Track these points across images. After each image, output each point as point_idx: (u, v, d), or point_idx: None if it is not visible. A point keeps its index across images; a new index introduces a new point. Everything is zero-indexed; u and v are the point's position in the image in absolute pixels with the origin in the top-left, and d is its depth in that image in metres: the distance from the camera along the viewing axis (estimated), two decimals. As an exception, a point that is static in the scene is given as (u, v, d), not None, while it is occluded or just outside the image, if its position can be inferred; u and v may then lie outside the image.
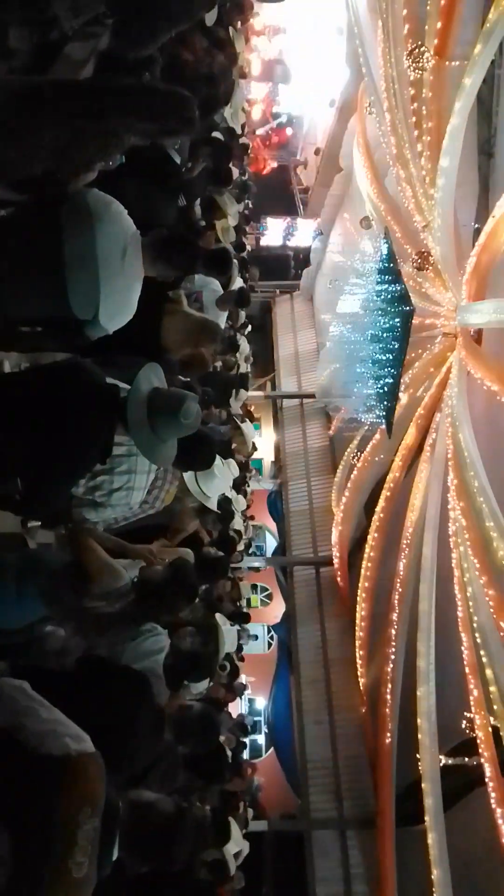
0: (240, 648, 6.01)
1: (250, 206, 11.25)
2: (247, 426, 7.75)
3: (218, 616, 3.86)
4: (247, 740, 10.61)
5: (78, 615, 2.22)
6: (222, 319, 4.40)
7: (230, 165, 4.98)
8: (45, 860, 1.24)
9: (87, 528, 2.28)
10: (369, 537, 12.22)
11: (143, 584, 2.31)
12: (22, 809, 1.25)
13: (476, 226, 10.04)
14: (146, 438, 2.10)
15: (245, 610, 7.53)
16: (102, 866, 1.41)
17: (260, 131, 20.88)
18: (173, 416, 2.12)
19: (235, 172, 5.90)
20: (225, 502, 4.32)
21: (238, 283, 6.79)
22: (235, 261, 4.78)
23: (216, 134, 4.98)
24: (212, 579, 4.44)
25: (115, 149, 2.26)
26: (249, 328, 10.77)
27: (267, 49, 21.08)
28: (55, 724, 1.42)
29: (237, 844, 4.65)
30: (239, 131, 7.00)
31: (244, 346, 8.71)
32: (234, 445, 6.53)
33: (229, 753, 4.94)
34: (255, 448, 8.98)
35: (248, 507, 10.88)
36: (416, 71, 9.16)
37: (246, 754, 11.90)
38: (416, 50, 9.02)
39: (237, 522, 6.33)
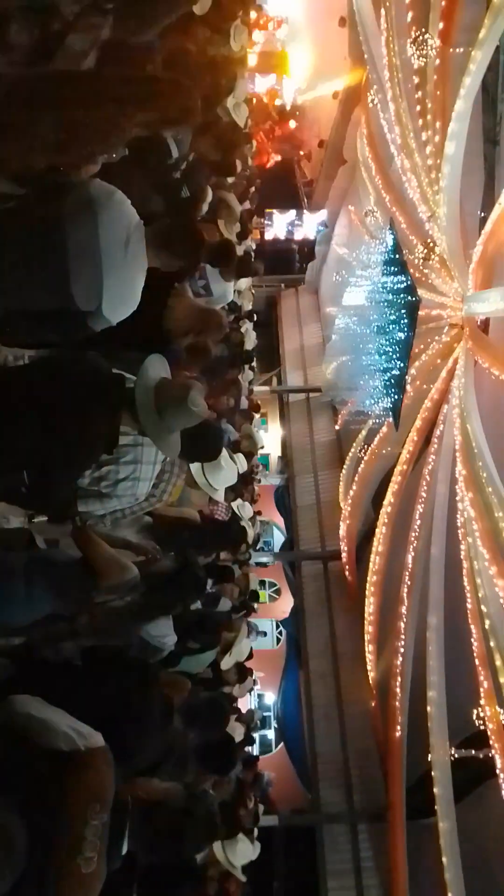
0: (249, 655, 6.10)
1: (254, 194, 11.19)
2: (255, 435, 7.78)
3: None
4: (255, 734, 10.63)
5: (87, 611, 2.21)
6: (229, 289, 4.35)
7: (234, 158, 4.96)
8: (54, 856, 1.23)
9: (91, 526, 2.26)
10: (377, 531, 12.19)
11: (152, 576, 2.30)
12: (31, 805, 1.24)
13: (482, 214, 9.96)
14: (155, 425, 2.08)
15: (252, 603, 7.52)
16: (112, 860, 1.41)
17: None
18: (181, 403, 2.10)
19: (239, 165, 5.86)
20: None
21: (245, 280, 6.77)
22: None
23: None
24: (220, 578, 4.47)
25: (116, 140, 2.24)
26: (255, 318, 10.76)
27: (270, 41, 20.99)
28: (64, 723, 1.42)
29: (245, 856, 4.63)
30: (242, 124, 6.95)
31: (250, 333, 8.71)
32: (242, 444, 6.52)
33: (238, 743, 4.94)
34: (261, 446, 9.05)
35: (255, 501, 10.88)
36: (420, 59, 9.09)
37: (256, 749, 11.92)
38: (420, 37, 8.94)
39: (245, 518, 6.35)
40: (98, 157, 2.30)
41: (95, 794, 1.34)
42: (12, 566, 1.98)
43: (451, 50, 8.63)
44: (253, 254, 8.00)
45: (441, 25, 8.66)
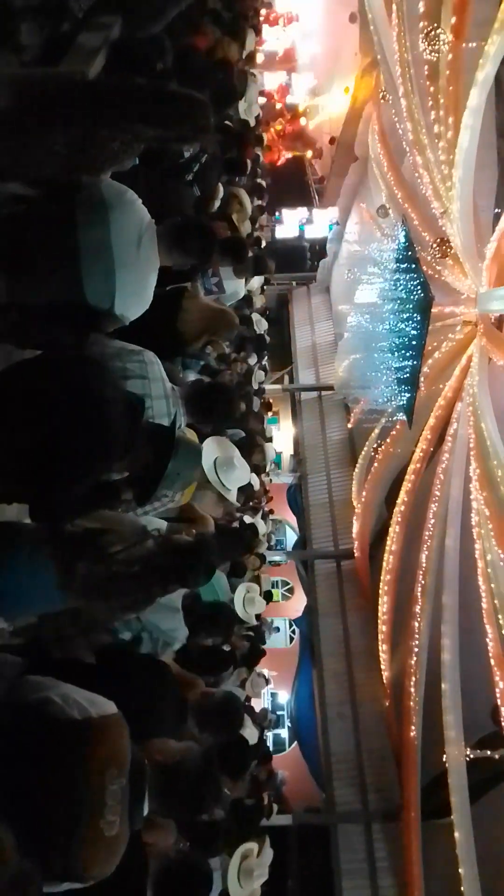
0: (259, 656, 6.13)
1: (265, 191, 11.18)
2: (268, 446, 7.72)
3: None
4: (269, 733, 10.63)
5: (93, 562, 2.14)
6: (241, 287, 4.34)
7: (246, 156, 4.95)
8: (77, 822, 1.28)
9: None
10: (391, 529, 12.14)
11: (167, 541, 2.23)
12: (51, 775, 1.29)
13: (496, 210, 9.88)
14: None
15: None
16: (133, 822, 1.46)
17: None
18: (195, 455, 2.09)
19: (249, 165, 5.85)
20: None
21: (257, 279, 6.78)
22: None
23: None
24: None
25: (126, 155, 2.24)
26: (268, 312, 10.76)
27: (281, 38, 20.95)
28: (78, 694, 1.46)
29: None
30: (253, 123, 6.95)
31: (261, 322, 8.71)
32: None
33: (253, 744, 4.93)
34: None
35: (268, 500, 10.88)
36: (433, 54, 9.02)
37: (269, 745, 11.92)
38: (432, 32, 8.87)
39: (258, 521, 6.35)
40: (108, 170, 2.30)
41: (112, 759, 1.38)
42: (19, 531, 1.97)
43: (464, 45, 8.56)
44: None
45: (453, 20, 8.58)
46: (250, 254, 4.74)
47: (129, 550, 1.98)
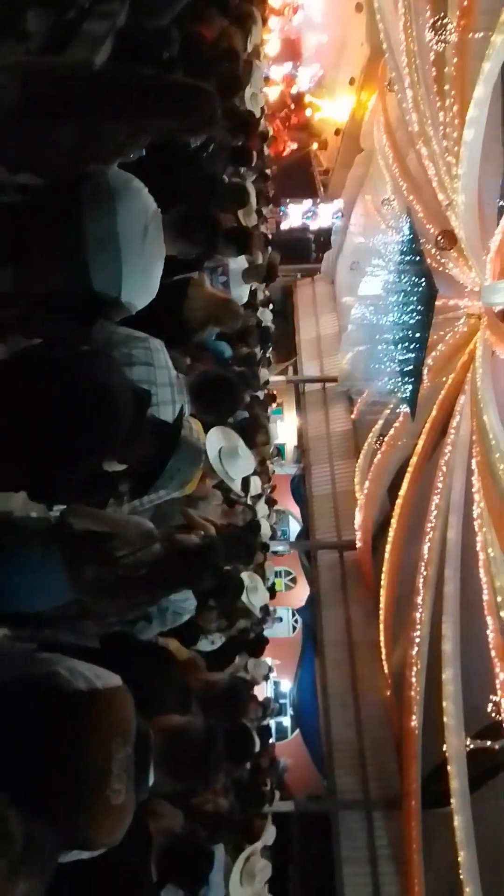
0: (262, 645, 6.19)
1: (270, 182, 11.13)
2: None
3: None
4: (271, 721, 10.69)
5: (100, 567, 2.18)
6: (245, 291, 4.36)
7: (252, 146, 4.93)
8: (83, 790, 1.30)
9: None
10: (393, 520, 12.17)
11: (174, 542, 2.26)
12: (56, 743, 1.31)
13: (501, 203, 9.84)
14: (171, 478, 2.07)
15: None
16: (140, 791, 1.47)
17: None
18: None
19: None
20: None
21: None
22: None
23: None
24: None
25: (132, 148, 2.24)
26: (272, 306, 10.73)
27: (286, 28, 20.78)
28: (84, 667, 1.49)
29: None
30: (258, 114, 6.91)
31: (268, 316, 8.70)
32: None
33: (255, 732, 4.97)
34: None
35: (273, 497, 10.88)
36: (439, 44, 8.96)
37: (273, 732, 11.99)
38: (439, 22, 8.82)
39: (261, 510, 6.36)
40: (113, 162, 2.31)
41: (117, 727, 1.40)
42: (32, 531, 2.00)
43: (471, 35, 8.50)
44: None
45: (460, 10, 8.52)
46: (261, 260, 4.77)
47: (136, 555, 2.01)
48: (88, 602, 2.14)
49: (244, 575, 5.10)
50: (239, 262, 4.25)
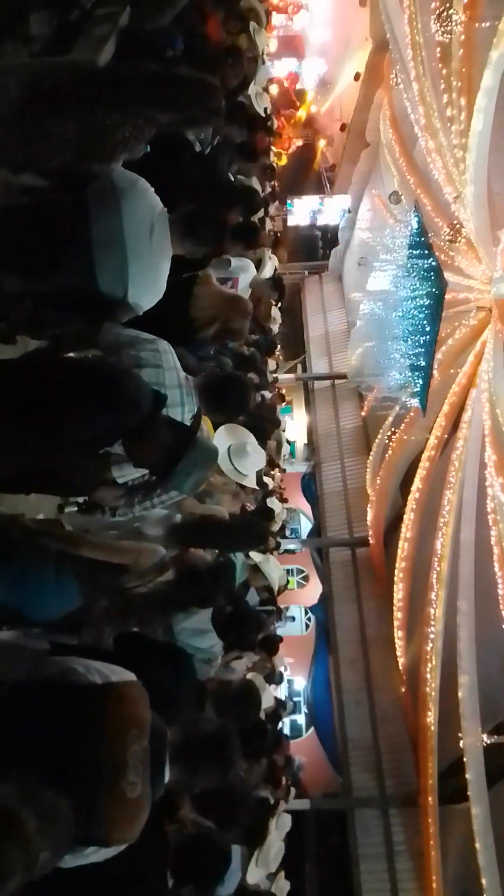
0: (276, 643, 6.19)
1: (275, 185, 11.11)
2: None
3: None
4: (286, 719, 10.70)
5: (113, 598, 2.22)
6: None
7: (256, 141, 4.92)
8: (99, 783, 1.31)
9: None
10: (405, 517, 12.12)
11: (185, 565, 2.29)
12: (73, 738, 1.32)
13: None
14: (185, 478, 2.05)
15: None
16: (156, 786, 1.48)
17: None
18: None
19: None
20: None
21: (270, 265, 6.76)
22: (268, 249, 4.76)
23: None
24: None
25: (137, 140, 2.23)
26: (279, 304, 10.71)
27: (289, 25, 20.70)
28: (99, 664, 1.51)
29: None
30: (263, 113, 6.90)
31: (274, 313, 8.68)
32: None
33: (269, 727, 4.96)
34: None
35: (282, 494, 10.87)
36: (445, 35, 8.87)
37: (287, 730, 12.01)
38: (444, 13, 8.72)
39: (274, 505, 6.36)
40: (119, 157, 2.29)
41: (133, 720, 1.41)
42: (45, 550, 2.01)
43: (477, 24, 8.40)
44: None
45: (465, 1, 8.43)
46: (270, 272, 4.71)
47: (147, 585, 2.04)
48: (102, 623, 2.17)
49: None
50: (250, 276, 4.25)
